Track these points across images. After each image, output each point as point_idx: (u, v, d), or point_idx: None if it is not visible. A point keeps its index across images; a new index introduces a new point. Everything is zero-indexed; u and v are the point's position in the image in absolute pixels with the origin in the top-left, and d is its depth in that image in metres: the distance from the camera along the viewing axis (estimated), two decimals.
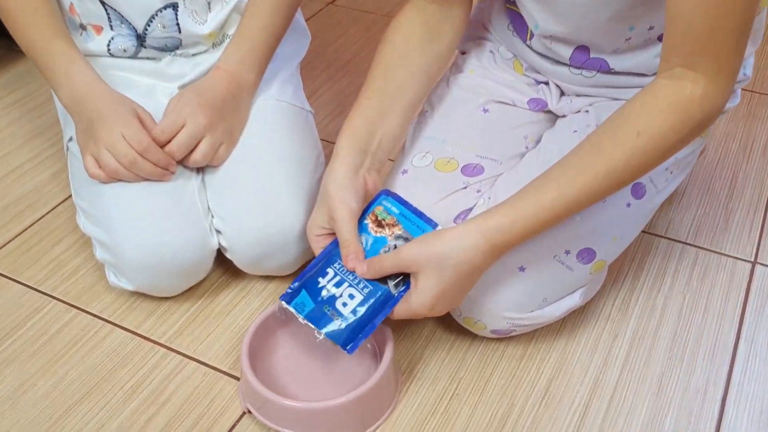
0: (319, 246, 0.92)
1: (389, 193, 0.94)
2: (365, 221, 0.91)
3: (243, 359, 0.89)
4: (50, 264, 1.12)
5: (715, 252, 1.10)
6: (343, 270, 0.87)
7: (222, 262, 1.07)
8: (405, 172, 1.01)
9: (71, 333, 1.02)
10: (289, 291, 0.88)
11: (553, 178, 0.84)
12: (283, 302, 0.88)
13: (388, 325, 0.90)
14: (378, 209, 0.92)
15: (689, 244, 1.12)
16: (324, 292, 0.86)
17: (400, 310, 0.86)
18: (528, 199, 0.84)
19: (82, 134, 1.01)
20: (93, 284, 1.09)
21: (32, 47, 1.03)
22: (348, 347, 0.83)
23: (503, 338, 0.98)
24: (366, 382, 0.86)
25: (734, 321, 1.00)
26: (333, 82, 1.51)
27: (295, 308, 0.86)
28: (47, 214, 1.21)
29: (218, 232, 1.03)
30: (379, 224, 0.91)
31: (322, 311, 0.85)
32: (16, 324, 1.03)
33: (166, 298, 1.06)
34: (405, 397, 0.92)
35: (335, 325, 0.84)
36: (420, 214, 0.91)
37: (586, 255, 0.93)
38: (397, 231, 0.90)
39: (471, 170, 1.00)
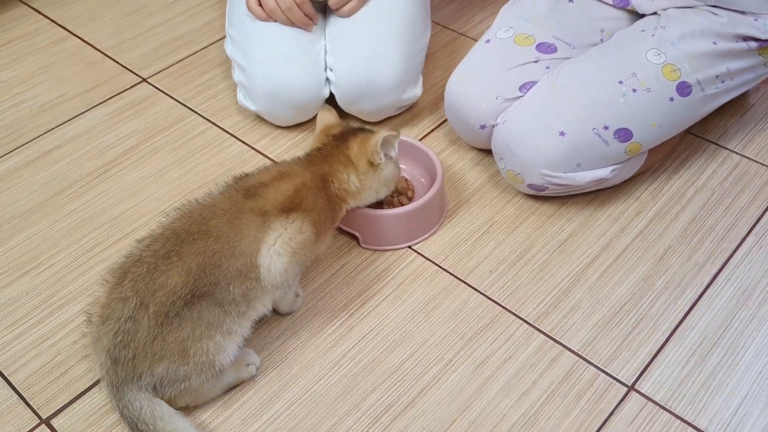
0: None
1: None
2: None
3: None
4: (197, 87, 1.41)
5: (757, 162, 1.20)
6: None
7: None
8: (488, 41, 1.19)
9: (204, 139, 1.30)
10: None
11: None
12: None
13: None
14: None
15: (735, 152, 1.22)
16: None
17: None
18: None
19: None
20: (227, 107, 1.36)
21: None
22: None
23: (539, 197, 1.16)
24: (417, 201, 1.08)
25: (752, 218, 1.12)
26: None
27: None
28: (200, 50, 1.49)
29: (329, 75, 1.25)
30: None
31: None
32: (164, 126, 1.33)
33: (279, 127, 1.32)
34: (446, 226, 1.14)
35: None
36: None
37: (623, 134, 1.08)
38: None
39: (545, 48, 1.16)
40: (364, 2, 1.26)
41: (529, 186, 1.12)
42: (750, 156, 1.21)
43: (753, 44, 1.10)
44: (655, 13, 1.16)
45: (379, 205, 1.09)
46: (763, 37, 1.09)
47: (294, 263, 0.89)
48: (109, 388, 0.84)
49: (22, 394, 0.95)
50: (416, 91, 1.29)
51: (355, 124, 1.10)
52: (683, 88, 1.09)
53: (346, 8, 1.24)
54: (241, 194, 0.89)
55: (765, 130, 1.26)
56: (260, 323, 0.99)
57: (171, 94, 1.39)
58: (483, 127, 1.17)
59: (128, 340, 0.81)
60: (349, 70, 1.23)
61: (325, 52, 1.26)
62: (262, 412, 0.92)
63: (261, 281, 0.87)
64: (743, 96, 1.31)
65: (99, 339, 0.84)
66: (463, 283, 1.06)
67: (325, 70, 1.26)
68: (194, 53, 1.48)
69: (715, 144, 1.24)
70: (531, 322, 1.00)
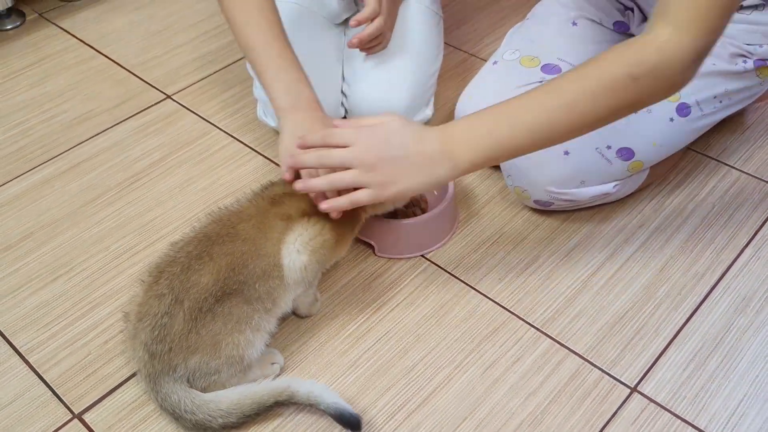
0: None
1: None
2: None
3: None
4: (219, 104, 1.47)
5: (756, 177, 1.25)
6: None
7: None
8: (495, 62, 1.25)
9: (226, 153, 1.37)
10: None
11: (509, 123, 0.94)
12: None
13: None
14: None
15: (735, 168, 1.27)
16: None
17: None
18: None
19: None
20: (248, 123, 1.43)
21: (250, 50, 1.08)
22: None
23: (545, 210, 1.21)
24: (430, 212, 1.14)
25: (751, 231, 1.17)
26: None
27: None
28: (222, 69, 1.56)
29: (344, 100, 1.32)
30: None
31: None
32: (188, 140, 1.39)
33: None
34: (457, 236, 1.19)
35: None
36: None
37: (625, 153, 1.13)
38: None
39: (550, 69, 1.22)
40: (390, 33, 1.30)
41: (536, 202, 1.18)
42: (749, 172, 1.27)
43: (750, 65, 1.16)
44: None
45: (393, 215, 1.15)
46: (761, 57, 1.15)
47: (313, 261, 0.95)
48: (146, 382, 0.90)
49: (56, 391, 1.01)
50: (427, 113, 1.35)
51: None
52: (682, 109, 1.15)
53: (378, 48, 1.29)
54: (267, 202, 0.96)
55: (764, 147, 1.31)
56: (282, 325, 1.04)
57: (194, 111, 1.46)
58: None
59: (164, 334, 0.87)
60: (362, 96, 1.29)
61: (343, 78, 1.32)
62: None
63: (284, 279, 0.93)
64: (743, 114, 1.36)
65: (136, 335, 0.90)
66: (473, 290, 1.11)
67: (342, 93, 1.32)
68: (216, 72, 1.55)
69: (716, 160, 1.30)
70: (538, 327, 1.05)
